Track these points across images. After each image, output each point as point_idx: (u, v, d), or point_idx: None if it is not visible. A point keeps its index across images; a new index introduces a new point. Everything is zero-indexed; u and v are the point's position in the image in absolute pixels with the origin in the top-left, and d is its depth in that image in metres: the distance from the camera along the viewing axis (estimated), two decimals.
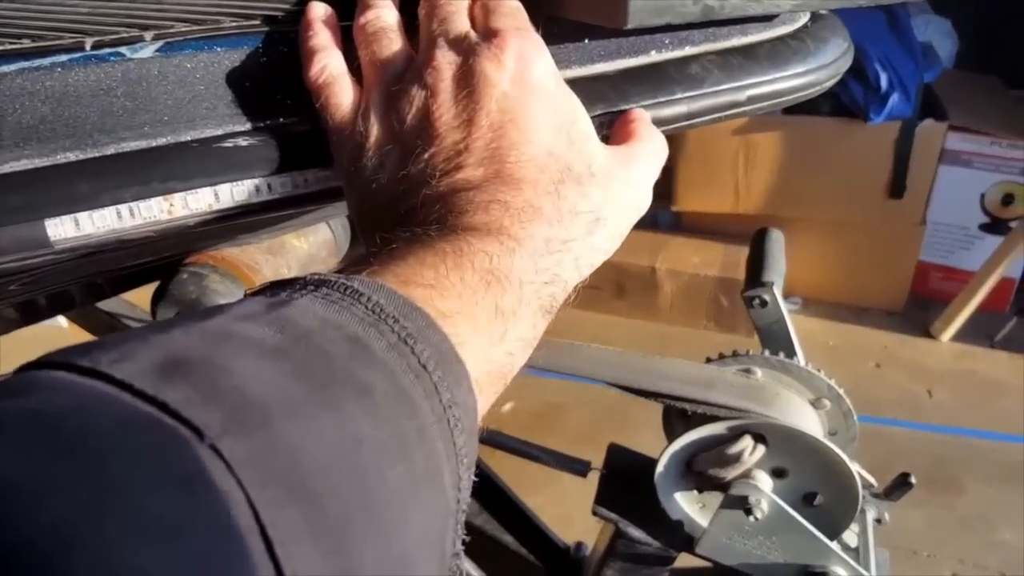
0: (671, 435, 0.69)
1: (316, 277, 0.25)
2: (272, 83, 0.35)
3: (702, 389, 0.65)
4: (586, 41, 0.39)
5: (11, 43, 0.31)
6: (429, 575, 0.22)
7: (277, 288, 0.26)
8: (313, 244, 0.67)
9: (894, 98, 1.87)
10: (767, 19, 0.44)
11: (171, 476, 0.17)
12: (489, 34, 0.33)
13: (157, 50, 0.33)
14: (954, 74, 2.19)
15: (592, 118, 0.35)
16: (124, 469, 0.17)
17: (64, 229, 0.31)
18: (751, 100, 0.42)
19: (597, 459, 0.78)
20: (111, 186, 0.32)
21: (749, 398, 0.64)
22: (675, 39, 0.41)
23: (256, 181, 0.34)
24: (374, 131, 0.34)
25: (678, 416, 0.70)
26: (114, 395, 0.19)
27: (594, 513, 0.72)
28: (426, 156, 0.32)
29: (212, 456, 0.18)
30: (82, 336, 0.74)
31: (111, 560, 0.15)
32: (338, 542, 0.19)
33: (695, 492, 0.69)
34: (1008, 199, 2.01)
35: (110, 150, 0.32)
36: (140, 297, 0.69)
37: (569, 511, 1.07)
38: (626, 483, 0.72)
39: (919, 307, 2.13)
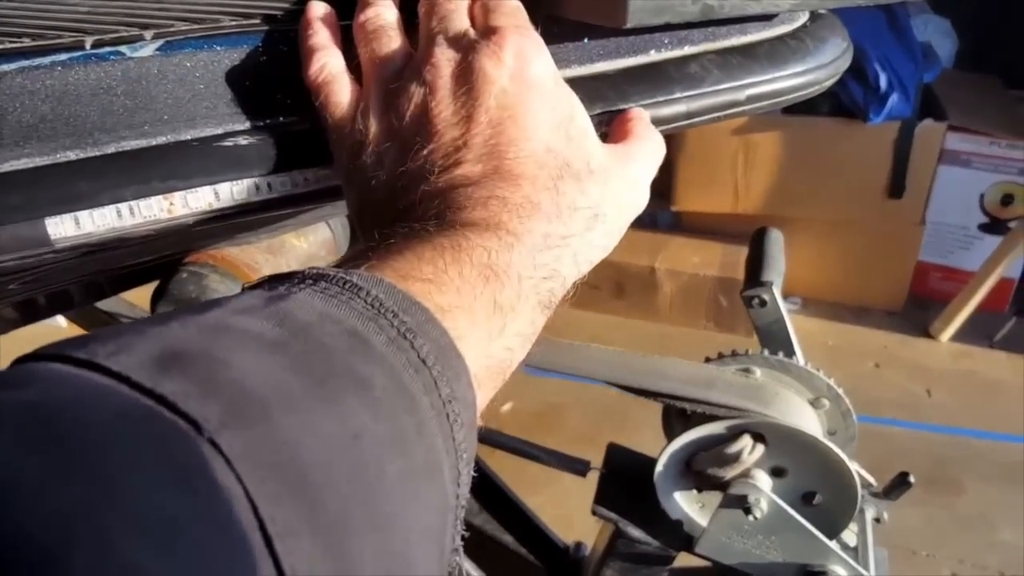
0: (670, 435, 0.69)
1: (315, 271, 0.25)
2: (272, 82, 0.35)
3: (701, 389, 0.65)
4: (585, 40, 0.40)
5: (11, 42, 0.32)
6: (428, 571, 0.22)
7: (275, 282, 0.26)
8: (313, 243, 0.67)
9: (893, 98, 1.88)
10: (766, 18, 0.44)
11: (169, 470, 0.17)
12: (488, 32, 0.33)
13: (157, 49, 0.33)
14: (953, 74, 2.19)
15: (591, 117, 0.36)
16: (122, 463, 0.17)
17: (64, 228, 0.31)
18: (750, 99, 0.42)
19: (597, 459, 0.78)
20: (111, 185, 0.32)
21: (748, 398, 0.65)
22: (674, 38, 0.41)
23: (256, 180, 0.34)
24: (373, 128, 0.34)
25: (677, 416, 0.70)
26: (112, 388, 0.19)
27: (594, 513, 0.72)
28: (425, 152, 0.32)
29: (211, 450, 0.18)
30: None
31: (109, 554, 0.15)
32: (337, 537, 0.19)
33: (694, 491, 0.69)
34: (1007, 199, 2.01)
35: (110, 149, 0.32)
36: (140, 296, 0.69)
37: (569, 511, 1.07)
38: (626, 483, 0.72)
39: (918, 307, 2.13)
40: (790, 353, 0.69)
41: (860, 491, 0.64)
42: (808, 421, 0.66)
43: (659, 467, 0.67)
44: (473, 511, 0.86)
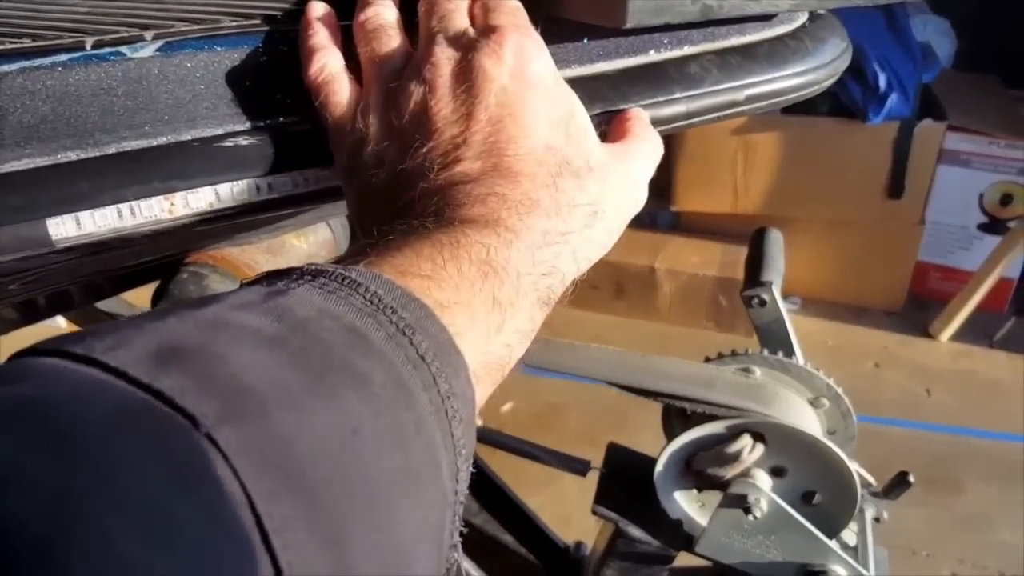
0: (670, 434, 0.69)
1: (313, 267, 0.25)
2: (272, 82, 0.35)
3: (701, 388, 0.65)
4: (585, 41, 0.40)
5: (12, 42, 0.32)
6: (426, 567, 0.22)
7: (274, 278, 0.25)
8: (313, 244, 0.67)
9: (893, 98, 1.88)
10: (765, 19, 0.44)
11: (166, 465, 0.17)
12: (488, 31, 0.33)
13: (157, 49, 0.33)
14: (953, 74, 2.19)
15: (591, 117, 0.36)
16: (118, 458, 0.17)
17: (65, 228, 0.31)
18: (750, 100, 0.43)
19: (597, 459, 0.79)
20: (112, 185, 0.32)
21: (748, 397, 0.65)
22: (674, 39, 0.41)
23: (256, 180, 0.34)
24: (373, 127, 0.34)
25: (677, 415, 0.70)
26: (109, 383, 0.19)
27: (594, 512, 0.72)
28: (424, 150, 0.32)
29: (208, 445, 0.18)
30: None
31: (106, 550, 0.15)
32: (334, 533, 0.19)
33: (694, 491, 0.69)
34: (1007, 199, 2.01)
35: (111, 149, 0.32)
36: (140, 297, 0.69)
37: (569, 511, 1.08)
38: (626, 482, 0.72)
39: (918, 307, 2.13)
40: (790, 353, 0.69)
41: (860, 491, 0.64)
42: (808, 421, 0.66)
43: (659, 467, 0.67)
44: (473, 511, 0.86)
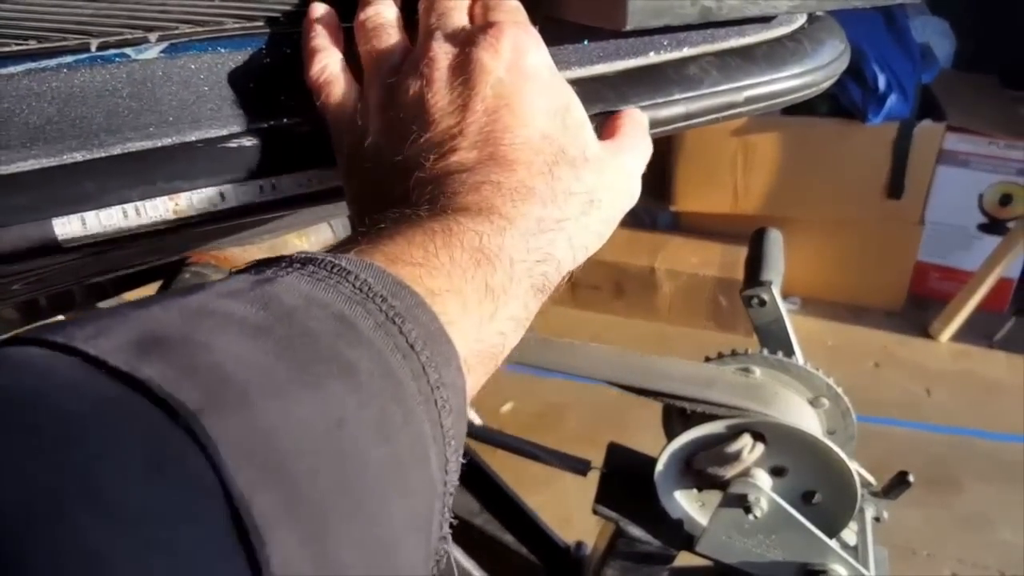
0: (671, 434, 0.70)
1: (303, 255, 0.25)
2: (275, 84, 0.36)
3: (701, 388, 0.65)
4: (585, 42, 0.40)
5: (17, 44, 0.32)
6: (414, 558, 0.22)
7: (263, 266, 0.25)
8: (314, 244, 0.67)
9: (892, 99, 1.88)
10: (764, 20, 0.44)
11: (141, 457, 0.17)
12: (485, 26, 0.34)
13: (162, 51, 0.34)
14: (952, 74, 2.19)
15: (590, 118, 0.36)
16: (92, 450, 0.16)
17: (71, 228, 0.32)
18: (749, 101, 0.43)
19: (597, 459, 0.79)
20: (117, 186, 0.32)
21: (748, 397, 0.65)
22: (673, 40, 0.42)
23: (260, 181, 0.35)
24: (372, 123, 0.34)
25: (677, 415, 0.70)
26: (88, 372, 0.18)
27: (594, 512, 0.72)
28: (420, 141, 0.32)
29: (187, 436, 0.17)
30: None
31: (70, 544, 0.15)
32: (317, 526, 0.18)
33: (695, 491, 0.70)
34: (1006, 199, 2.02)
35: (116, 150, 0.33)
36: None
37: (569, 510, 1.08)
38: (626, 482, 0.72)
39: (918, 307, 2.13)
40: (789, 353, 0.69)
41: (860, 490, 0.64)
42: (808, 420, 0.67)
43: (659, 466, 0.67)
44: (474, 511, 0.86)
